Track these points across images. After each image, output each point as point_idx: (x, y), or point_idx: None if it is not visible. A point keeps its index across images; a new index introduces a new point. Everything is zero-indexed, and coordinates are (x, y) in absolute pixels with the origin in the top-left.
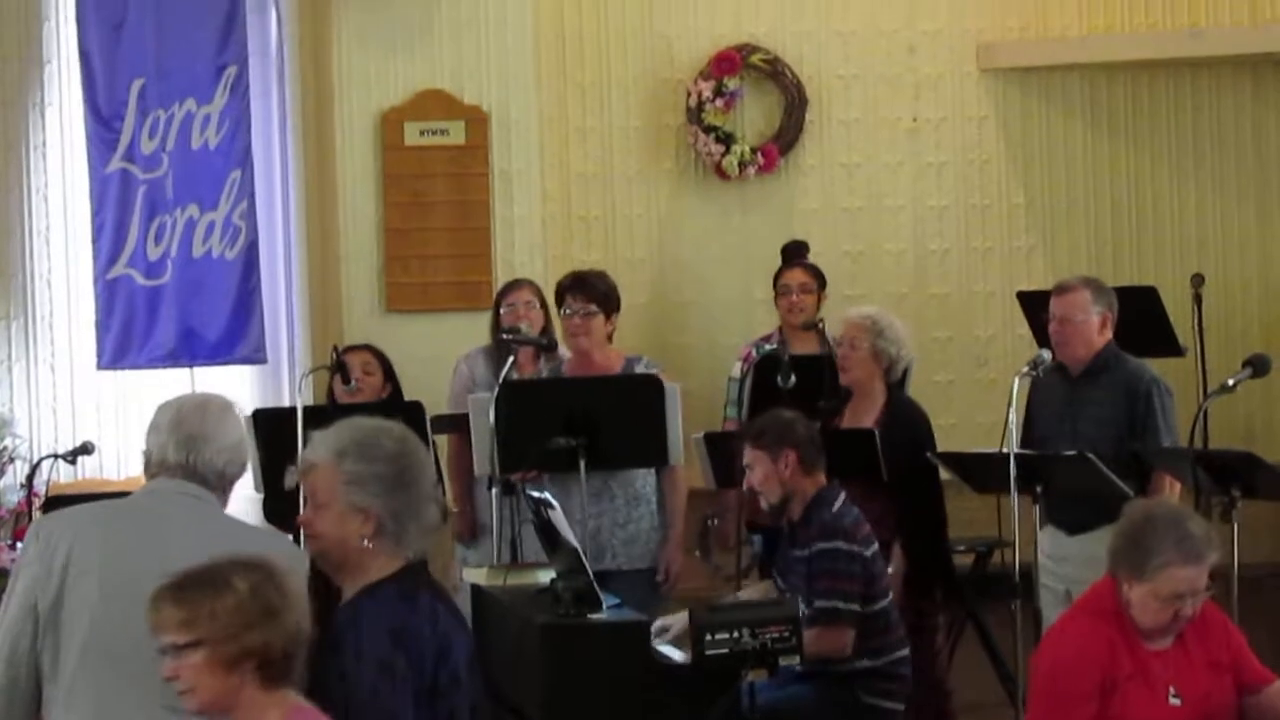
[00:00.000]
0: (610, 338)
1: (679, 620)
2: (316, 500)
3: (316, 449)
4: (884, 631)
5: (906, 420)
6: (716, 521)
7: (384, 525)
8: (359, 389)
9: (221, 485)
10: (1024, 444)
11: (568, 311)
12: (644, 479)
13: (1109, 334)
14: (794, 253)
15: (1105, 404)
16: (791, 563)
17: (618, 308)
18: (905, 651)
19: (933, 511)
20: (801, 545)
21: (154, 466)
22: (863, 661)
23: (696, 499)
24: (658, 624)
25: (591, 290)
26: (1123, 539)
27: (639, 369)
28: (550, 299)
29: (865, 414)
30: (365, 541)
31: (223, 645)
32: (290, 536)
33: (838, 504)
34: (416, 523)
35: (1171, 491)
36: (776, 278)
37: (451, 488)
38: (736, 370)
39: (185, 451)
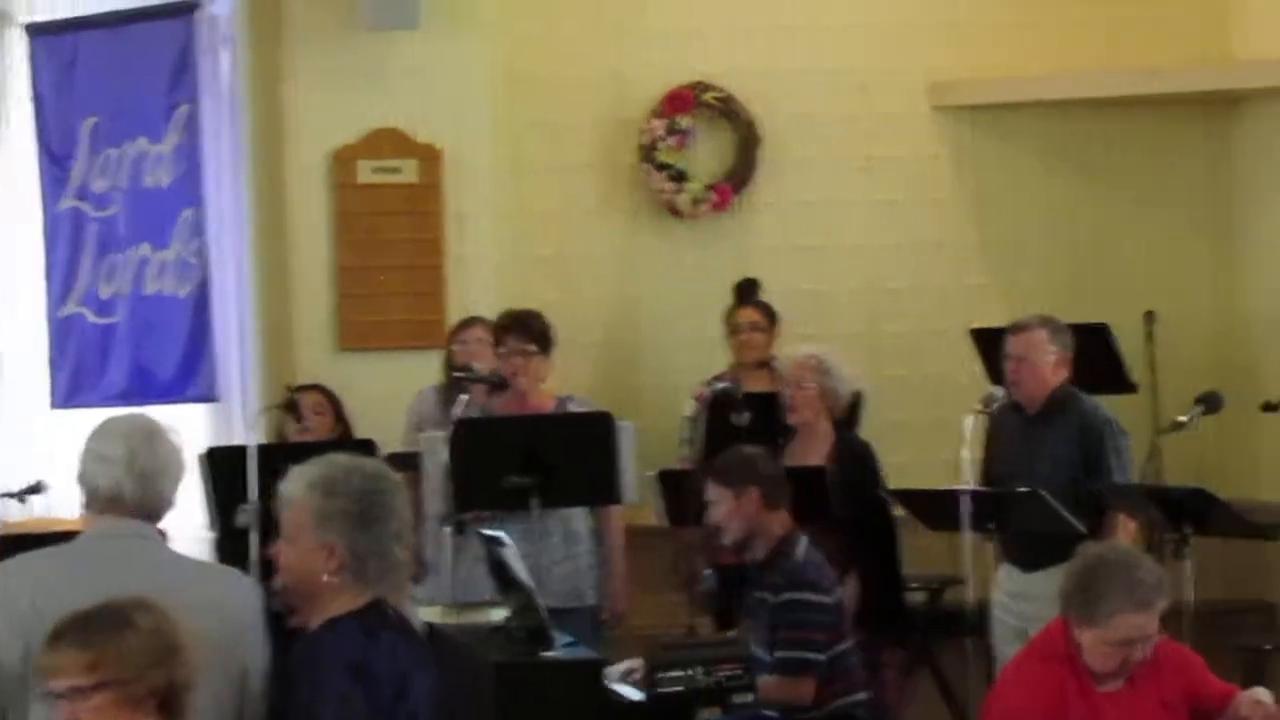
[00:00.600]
0: (546, 378)
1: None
2: (286, 534)
3: (291, 483)
4: (844, 675)
5: (855, 458)
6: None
7: (347, 562)
8: (311, 428)
9: (163, 515)
10: (983, 482)
11: (506, 351)
12: (580, 516)
13: (1065, 373)
14: (746, 291)
15: (1060, 443)
16: (755, 605)
17: (554, 347)
18: (863, 695)
19: (886, 548)
20: (767, 589)
21: (102, 503)
22: (823, 706)
23: (651, 537)
24: (624, 666)
25: (530, 330)
26: (1074, 583)
27: (571, 408)
28: None
29: (813, 452)
30: (328, 577)
31: (129, 685)
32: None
33: (801, 551)
34: (380, 561)
35: (1125, 530)
36: (728, 316)
37: None
38: (690, 409)
39: (142, 488)
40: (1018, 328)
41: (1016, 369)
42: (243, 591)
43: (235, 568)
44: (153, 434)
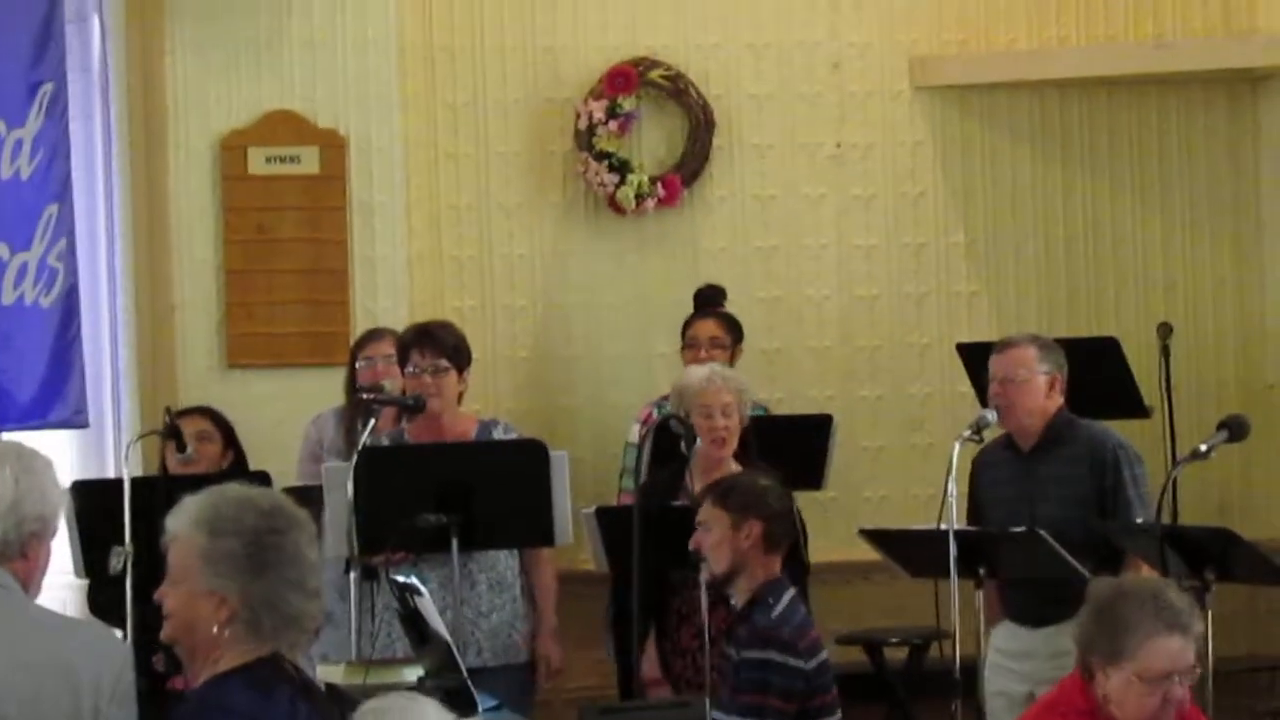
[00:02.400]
0: (460, 398)
1: None
2: (171, 576)
3: (178, 517)
4: None
5: None
6: None
7: (238, 612)
8: (195, 458)
9: (18, 557)
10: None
11: (414, 369)
12: (507, 561)
13: (1059, 398)
14: (707, 299)
15: (1068, 480)
16: (724, 659)
17: (469, 363)
18: None
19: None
20: (733, 643)
21: None
22: None
23: (588, 584)
24: None
25: (441, 344)
26: (1094, 620)
27: (496, 434)
28: None
29: None
30: (217, 629)
31: None
32: (119, 632)
33: (781, 606)
34: (275, 612)
35: (1151, 573)
36: (685, 328)
37: None
38: (635, 434)
39: (4, 528)
40: (1003, 346)
41: (1002, 392)
42: (102, 651)
43: (110, 622)
44: (4, 458)
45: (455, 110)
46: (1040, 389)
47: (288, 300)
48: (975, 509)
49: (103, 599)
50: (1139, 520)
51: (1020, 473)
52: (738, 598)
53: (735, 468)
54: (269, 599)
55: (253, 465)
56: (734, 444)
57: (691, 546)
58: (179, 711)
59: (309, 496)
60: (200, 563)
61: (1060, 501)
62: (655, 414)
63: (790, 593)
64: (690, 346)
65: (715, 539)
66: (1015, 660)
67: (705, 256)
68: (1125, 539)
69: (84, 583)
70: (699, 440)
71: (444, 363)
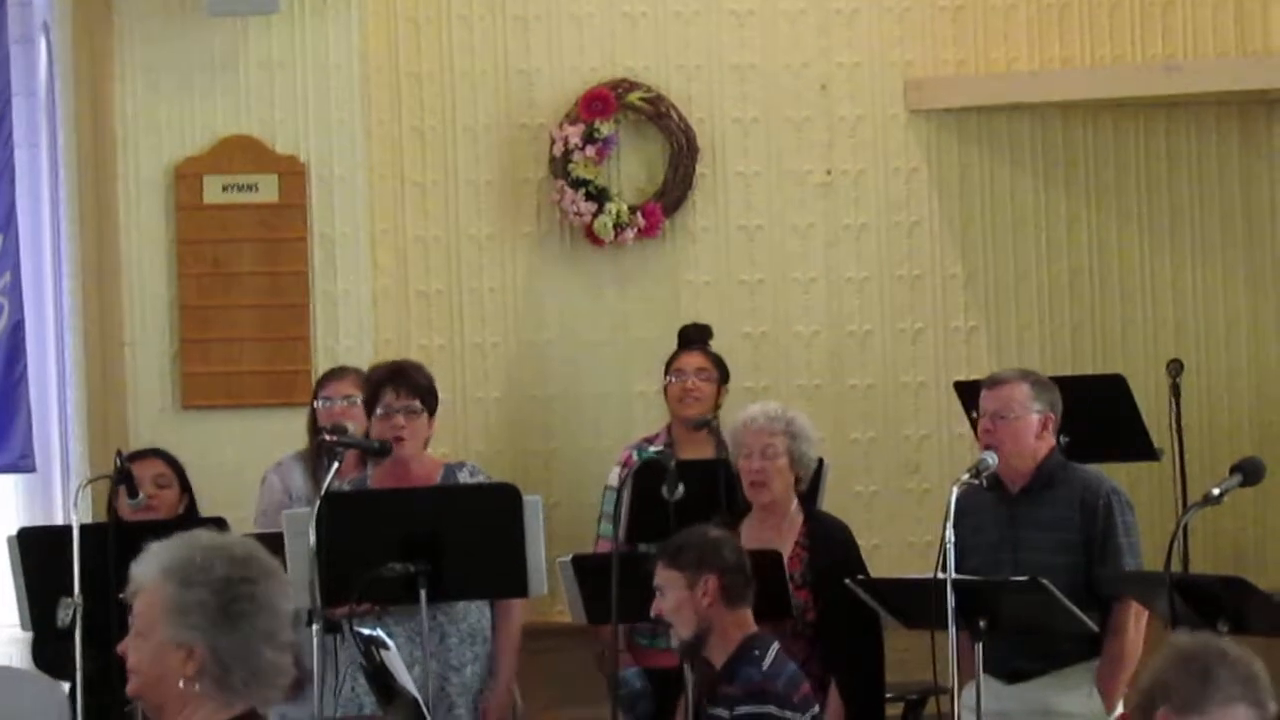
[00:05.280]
0: (426, 444)
1: None
2: (137, 627)
3: (145, 565)
4: None
5: (834, 541)
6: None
7: (207, 666)
8: (149, 504)
9: None
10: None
11: (384, 411)
12: (479, 612)
13: (1050, 439)
14: (693, 338)
15: (1054, 526)
16: None
17: (437, 407)
18: None
19: (869, 657)
20: (722, 704)
21: None
22: None
23: (563, 638)
24: None
25: (416, 385)
26: (1179, 669)
27: (463, 477)
28: None
29: (778, 538)
30: (184, 684)
31: None
32: (65, 686)
33: (770, 659)
34: (246, 668)
35: (1138, 625)
36: (670, 363)
37: None
38: (614, 477)
39: None
40: (994, 382)
41: (992, 431)
42: (44, 707)
43: (59, 677)
44: None
45: (423, 136)
46: (1031, 429)
47: (245, 337)
48: (957, 553)
49: (50, 653)
50: (1130, 569)
51: (1004, 518)
52: (715, 658)
53: (796, 515)
54: (240, 653)
55: (210, 511)
56: (780, 488)
57: (653, 614)
58: None
59: (268, 545)
60: (169, 614)
61: (1045, 549)
62: (635, 457)
63: (775, 645)
64: (676, 376)
65: (673, 603)
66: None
67: (688, 290)
68: (1131, 586)
69: (29, 636)
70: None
71: (417, 404)
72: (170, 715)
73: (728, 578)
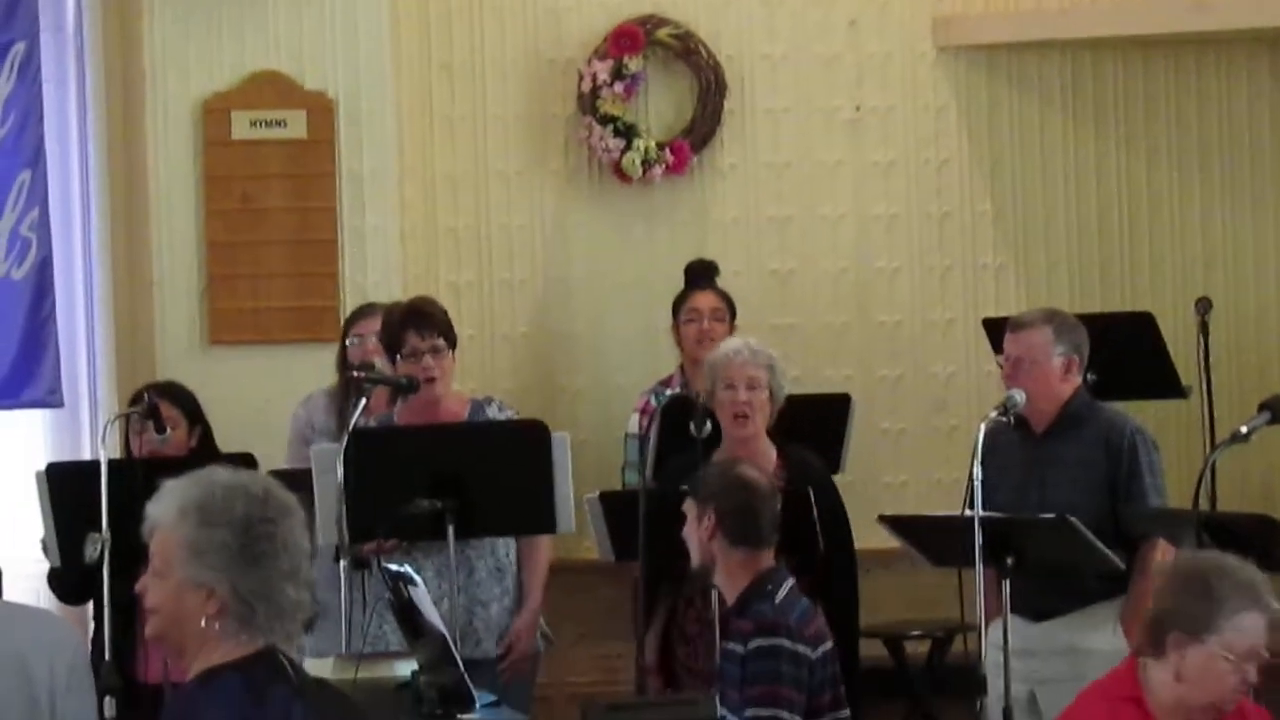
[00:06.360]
0: (451, 380)
1: None
2: (154, 567)
3: (161, 504)
4: None
5: (811, 481)
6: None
7: (229, 606)
8: (168, 439)
9: None
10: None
11: (409, 350)
12: (506, 547)
13: (1076, 380)
14: (701, 274)
15: (1079, 464)
16: (724, 657)
17: (456, 340)
18: None
19: (846, 598)
20: (735, 639)
21: None
22: None
23: (590, 575)
24: None
25: (437, 323)
26: (1180, 593)
27: (490, 413)
28: None
29: (760, 470)
30: (205, 623)
31: None
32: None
33: (782, 593)
34: (269, 605)
35: (1164, 561)
36: (679, 302)
37: None
38: (634, 424)
39: None
40: (1017, 325)
41: (1014, 374)
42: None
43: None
44: None
45: (451, 72)
46: (1054, 373)
47: (273, 274)
48: (984, 490)
49: (74, 588)
50: (1163, 506)
51: (1029, 457)
52: (727, 593)
53: (768, 449)
54: (262, 591)
55: (237, 448)
56: (761, 421)
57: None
58: (172, 707)
59: (297, 481)
60: (187, 554)
61: (1069, 488)
62: (653, 402)
63: (790, 582)
64: (690, 320)
65: (687, 529)
66: (1014, 659)
67: (715, 227)
68: (1158, 525)
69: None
70: (708, 425)
71: (441, 342)
72: (191, 654)
73: (728, 519)
